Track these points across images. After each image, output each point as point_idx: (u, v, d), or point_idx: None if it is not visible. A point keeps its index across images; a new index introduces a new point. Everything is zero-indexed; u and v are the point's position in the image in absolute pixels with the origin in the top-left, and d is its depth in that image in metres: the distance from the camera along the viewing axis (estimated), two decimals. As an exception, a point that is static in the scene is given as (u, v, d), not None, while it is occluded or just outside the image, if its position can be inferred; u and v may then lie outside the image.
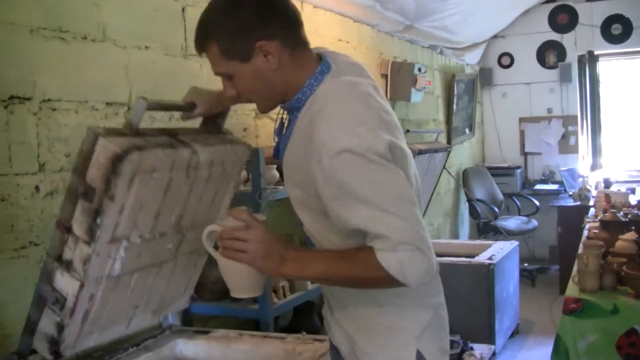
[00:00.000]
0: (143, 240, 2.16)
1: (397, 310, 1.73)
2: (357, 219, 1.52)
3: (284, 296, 3.20)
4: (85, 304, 2.13)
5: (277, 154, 1.76)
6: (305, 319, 3.80)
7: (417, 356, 1.72)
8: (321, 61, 1.69)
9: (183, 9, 3.26)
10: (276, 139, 1.84)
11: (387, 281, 1.52)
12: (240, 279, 1.65)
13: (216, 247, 1.71)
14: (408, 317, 1.74)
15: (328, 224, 1.64)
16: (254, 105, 4.06)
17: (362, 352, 1.76)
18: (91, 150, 1.90)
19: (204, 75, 3.39)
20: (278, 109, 1.81)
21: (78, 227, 1.97)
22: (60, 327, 2.11)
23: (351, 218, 1.52)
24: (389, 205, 1.51)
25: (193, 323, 3.17)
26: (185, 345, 2.70)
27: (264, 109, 1.75)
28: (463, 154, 8.04)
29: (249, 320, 3.42)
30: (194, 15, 3.32)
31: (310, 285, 3.39)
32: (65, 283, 2.06)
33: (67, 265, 2.03)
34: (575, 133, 8.36)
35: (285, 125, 1.77)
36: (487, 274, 4.78)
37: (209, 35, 1.61)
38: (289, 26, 1.64)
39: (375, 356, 1.74)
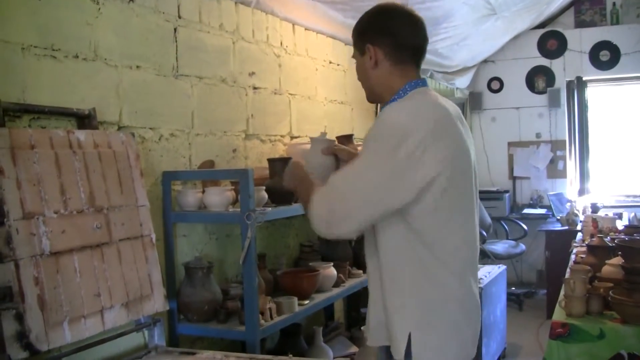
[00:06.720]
0: (60, 216, 2.35)
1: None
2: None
3: (271, 318, 3.18)
4: (33, 288, 2.20)
5: None
6: (292, 341, 3.79)
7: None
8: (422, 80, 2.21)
9: (175, 30, 3.28)
10: None
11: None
12: None
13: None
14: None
15: None
16: (244, 127, 4.07)
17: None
18: None
19: (194, 94, 3.40)
20: None
21: None
22: (20, 317, 2.14)
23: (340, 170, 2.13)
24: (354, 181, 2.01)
25: (179, 344, 3.15)
26: (171, 366, 2.69)
27: (367, 99, 2.31)
28: (452, 177, 8.01)
29: (235, 342, 3.40)
30: (186, 35, 3.34)
31: (297, 308, 3.38)
32: (3, 274, 2.14)
33: None
34: (563, 158, 8.41)
35: None
36: (474, 297, 4.77)
37: (354, 29, 2.23)
38: (398, 47, 2.14)
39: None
